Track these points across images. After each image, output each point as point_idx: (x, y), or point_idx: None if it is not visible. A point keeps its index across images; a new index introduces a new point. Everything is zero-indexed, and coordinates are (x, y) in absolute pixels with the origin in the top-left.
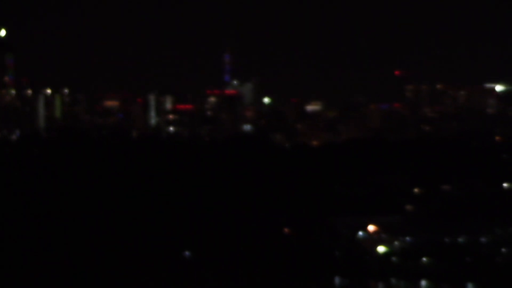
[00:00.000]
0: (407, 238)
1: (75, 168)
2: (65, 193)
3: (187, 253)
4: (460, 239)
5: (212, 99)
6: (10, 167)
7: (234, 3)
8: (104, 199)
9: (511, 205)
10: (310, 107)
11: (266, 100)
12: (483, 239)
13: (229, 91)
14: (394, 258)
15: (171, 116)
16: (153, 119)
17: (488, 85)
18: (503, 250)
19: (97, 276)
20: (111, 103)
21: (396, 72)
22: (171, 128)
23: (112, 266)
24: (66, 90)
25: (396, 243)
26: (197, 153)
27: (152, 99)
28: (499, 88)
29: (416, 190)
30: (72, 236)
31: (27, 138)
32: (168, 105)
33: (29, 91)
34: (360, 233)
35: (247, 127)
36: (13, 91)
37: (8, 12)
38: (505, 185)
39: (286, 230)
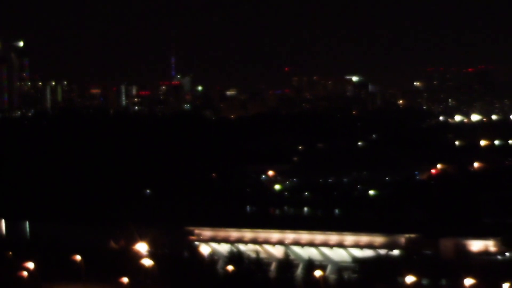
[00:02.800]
0: (295, 179)
1: (72, 135)
2: (65, 150)
3: (148, 191)
4: (330, 180)
5: (163, 87)
6: (27, 134)
7: (177, 21)
8: (91, 154)
9: (363, 157)
10: (229, 92)
11: (199, 88)
12: (345, 180)
13: (174, 82)
14: (286, 193)
15: (135, 100)
16: (123, 102)
17: (347, 77)
18: (359, 187)
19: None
20: (95, 91)
21: (286, 68)
22: (136, 107)
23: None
24: (65, 82)
25: (287, 183)
26: (154, 124)
27: (123, 87)
28: (355, 78)
29: (300, 147)
30: (69, 175)
31: (39, 115)
32: (134, 92)
33: (40, 83)
34: (263, 176)
35: (187, 106)
36: (29, 83)
37: (23, 26)
38: (359, 143)
39: (213, 175)
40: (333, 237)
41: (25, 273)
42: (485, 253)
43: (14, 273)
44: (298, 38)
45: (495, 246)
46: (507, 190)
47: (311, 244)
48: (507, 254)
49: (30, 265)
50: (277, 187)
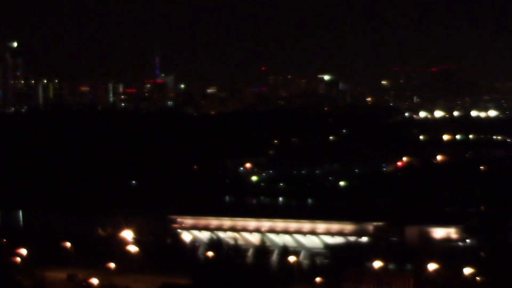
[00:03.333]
0: (270, 171)
1: (63, 130)
2: (57, 144)
3: (133, 182)
4: (303, 172)
5: (148, 85)
6: (21, 128)
7: (162, 22)
8: (81, 148)
9: (334, 150)
10: (209, 90)
11: (182, 86)
12: (317, 171)
13: (158, 80)
14: (262, 184)
15: (122, 97)
16: (111, 99)
17: (320, 75)
18: (330, 178)
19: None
20: (85, 88)
21: (263, 68)
22: (122, 104)
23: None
24: (56, 80)
25: (263, 174)
26: (139, 120)
27: (110, 85)
28: (326, 77)
29: (275, 141)
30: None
31: (31, 111)
32: (120, 89)
33: (32, 81)
34: (241, 168)
35: (170, 103)
36: (22, 81)
37: (17, 27)
38: (331, 138)
39: (195, 167)
40: (306, 225)
41: (18, 259)
42: (447, 240)
43: (8, 259)
44: (274, 38)
45: (456, 233)
46: (467, 181)
47: (286, 231)
48: (467, 240)
49: (23, 251)
50: (254, 178)
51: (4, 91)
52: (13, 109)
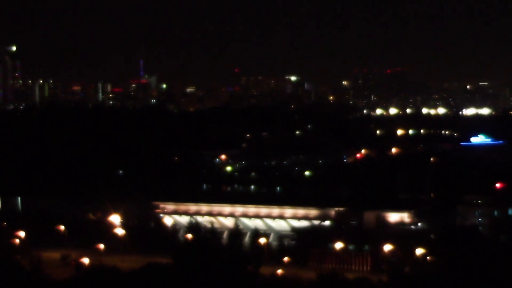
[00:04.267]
0: (243, 162)
1: (57, 125)
2: (51, 138)
3: (120, 171)
4: (272, 162)
5: (133, 85)
6: (19, 124)
7: (145, 29)
8: (73, 141)
9: (300, 143)
10: (188, 89)
11: (164, 85)
12: (285, 162)
13: (143, 80)
14: (236, 173)
15: (110, 95)
16: (100, 97)
17: (287, 76)
18: (296, 168)
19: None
20: (76, 88)
21: (236, 69)
22: (110, 102)
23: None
24: (50, 80)
25: (237, 165)
26: (125, 116)
27: (99, 85)
28: (293, 78)
29: (247, 135)
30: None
31: (29, 108)
32: (109, 88)
33: (30, 81)
34: (217, 159)
35: (153, 101)
36: (20, 81)
37: (15, 31)
38: (297, 132)
39: (176, 158)
40: (275, 210)
41: (17, 241)
42: (400, 224)
43: (7, 241)
44: (246, 43)
45: (409, 217)
46: (418, 171)
47: (257, 216)
48: (419, 224)
49: (22, 234)
50: (228, 168)
51: (4, 90)
52: (12, 106)
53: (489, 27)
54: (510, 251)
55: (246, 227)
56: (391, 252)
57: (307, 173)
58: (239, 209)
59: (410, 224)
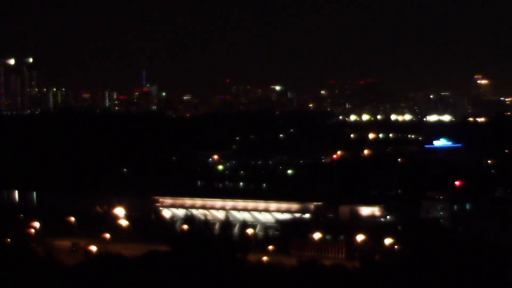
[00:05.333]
0: (233, 162)
1: (68, 128)
2: (64, 139)
3: (124, 169)
4: (259, 162)
5: (137, 93)
6: (35, 126)
7: (148, 42)
8: (83, 142)
9: (283, 145)
10: (185, 97)
11: (163, 93)
12: (270, 162)
13: (145, 89)
14: (226, 171)
15: (116, 102)
16: (107, 103)
17: (272, 86)
18: (280, 167)
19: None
20: (86, 95)
21: (227, 80)
22: (116, 108)
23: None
24: (63, 88)
25: (227, 164)
26: (129, 120)
27: (106, 93)
28: (278, 87)
29: (237, 138)
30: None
31: (43, 113)
32: (114, 96)
33: (44, 89)
34: (210, 159)
35: (154, 107)
36: (36, 89)
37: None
38: (281, 135)
39: (173, 158)
40: (261, 204)
41: (32, 230)
42: (372, 216)
43: (24, 230)
44: (237, 55)
45: (379, 211)
46: (387, 170)
47: (245, 209)
48: (387, 217)
49: (36, 224)
50: (220, 167)
51: (22, 97)
52: (29, 111)
53: (450, 44)
54: (467, 241)
55: (236, 219)
56: (363, 241)
57: (289, 171)
58: (229, 203)
59: (380, 217)
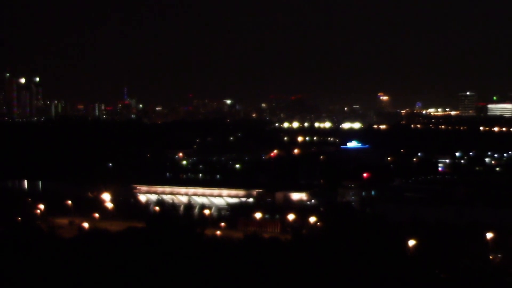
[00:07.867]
0: (194, 158)
1: (67, 132)
2: (63, 140)
3: (110, 164)
4: (214, 158)
5: (120, 105)
6: (40, 131)
7: (129, 63)
8: (78, 143)
9: (233, 145)
10: (157, 108)
11: (140, 105)
12: (222, 158)
13: (126, 102)
14: (189, 166)
15: (103, 112)
16: (97, 113)
17: (224, 100)
18: (230, 162)
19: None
20: (80, 106)
21: (190, 94)
22: (104, 117)
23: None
24: (62, 101)
25: (190, 160)
26: (114, 127)
27: (96, 105)
28: (228, 101)
29: (197, 139)
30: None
31: (48, 120)
32: (102, 107)
33: (48, 102)
34: (176, 156)
35: (133, 116)
36: (41, 102)
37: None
38: (231, 138)
39: (148, 155)
40: (215, 191)
41: (38, 211)
42: (300, 200)
43: (31, 211)
44: (198, 74)
45: (306, 196)
46: (312, 165)
47: (203, 195)
48: (312, 201)
49: (41, 206)
50: (184, 162)
51: (30, 108)
52: (35, 119)
53: (360, 67)
54: (372, 220)
55: (196, 202)
56: (293, 220)
57: (237, 166)
58: (191, 190)
59: (306, 200)
